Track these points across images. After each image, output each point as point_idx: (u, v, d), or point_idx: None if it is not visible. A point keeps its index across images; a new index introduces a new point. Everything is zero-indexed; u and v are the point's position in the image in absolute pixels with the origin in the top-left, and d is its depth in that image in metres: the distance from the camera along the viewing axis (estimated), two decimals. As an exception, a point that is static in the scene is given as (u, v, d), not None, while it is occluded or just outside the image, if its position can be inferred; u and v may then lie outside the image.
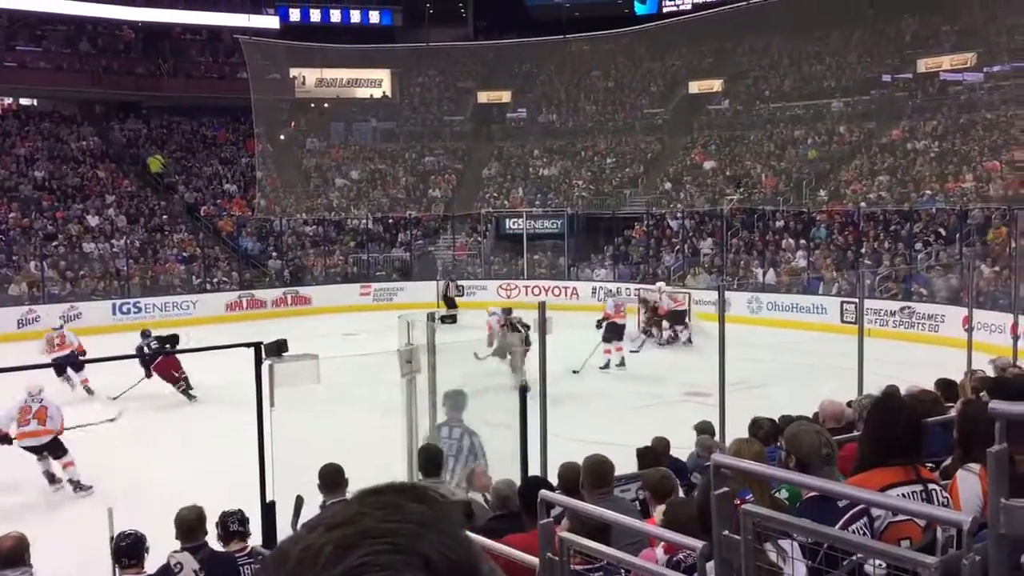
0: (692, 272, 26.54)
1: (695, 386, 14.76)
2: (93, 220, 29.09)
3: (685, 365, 17.48)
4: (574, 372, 16.50)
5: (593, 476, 4.92)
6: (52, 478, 10.88)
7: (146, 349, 15.59)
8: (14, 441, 10.65)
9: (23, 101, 36.73)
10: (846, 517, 2.90)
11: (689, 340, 20.46)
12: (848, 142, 30.56)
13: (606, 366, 17.75)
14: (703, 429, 8.26)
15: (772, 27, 35.43)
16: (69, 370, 15.72)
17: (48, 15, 35.04)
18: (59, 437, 10.82)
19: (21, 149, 32.00)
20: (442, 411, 7.79)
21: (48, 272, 25.39)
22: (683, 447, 8.05)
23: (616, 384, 16.20)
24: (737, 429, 7.19)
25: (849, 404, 7.05)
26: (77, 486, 10.75)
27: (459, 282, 27.84)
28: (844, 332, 19.18)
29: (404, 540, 0.73)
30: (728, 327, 9.47)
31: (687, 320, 20.98)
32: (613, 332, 18.12)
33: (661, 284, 22.92)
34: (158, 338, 16.05)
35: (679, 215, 29.35)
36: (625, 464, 7.45)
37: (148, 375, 15.52)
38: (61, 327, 17.43)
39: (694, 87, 36.60)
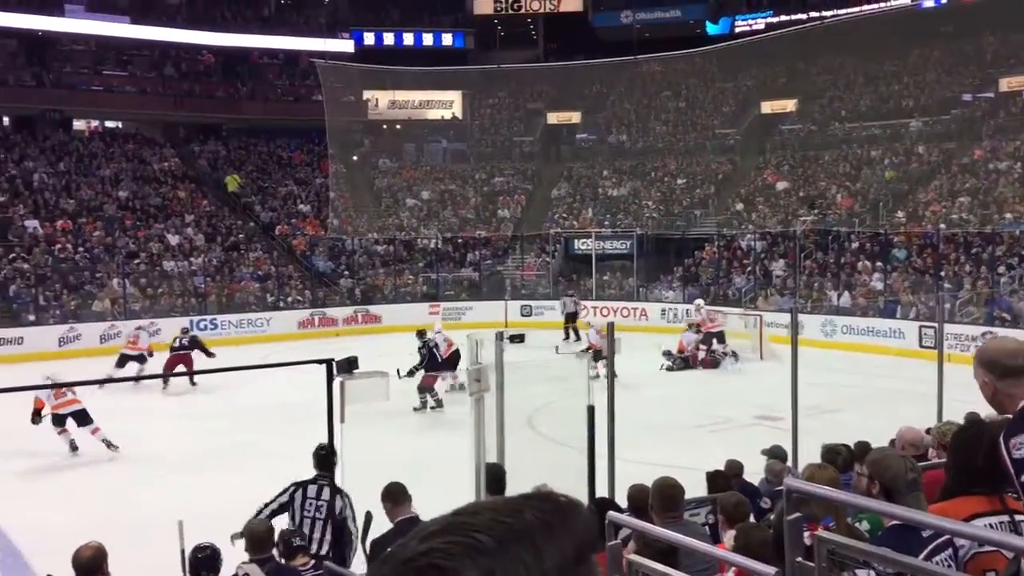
0: (764, 294, 26.12)
1: (767, 409, 14.50)
2: (173, 239, 29.90)
3: (757, 388, 17.18)
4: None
5: (663, 499, 4.84)
6: (73, 445, 12.78)
7: (177, 342, 18.21)
8: (43, 416, 12.50)
9: (108, 124, 38.06)
10: (930, 548, 2.79)
11: (734, 355, 20.54)
12: (927, 162, 29.83)
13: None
14: (773, 454, 8.07)
15: (847, 46, 34.87)
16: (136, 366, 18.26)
17: (134, 41, 36.30)
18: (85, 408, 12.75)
19: (106, 170, 33.10)
20: (510, 428, 7.75)
21: (129, 289, 26.15)
22: (754, 472, 7.89)
23: (686, 406, 15.99)
24: (810, 454, 7.02)
25: (928, 431, 6.82)
26: (109, 444, 12.67)
27: (576, 299, 26.52)
28: (922, 357, 18.63)
29: (486, 545, 0.77)
30: (801, 350, 9.29)
31: (720, 342, 20.92)
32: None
33: (700, 302, 22.70)
34: (192, 338, 18.66)
35: (750, 236, 28.94)
36: (693, 488, 7.33)
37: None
38: (138, 329, 19.83)
39: (766, 107, 36.16)
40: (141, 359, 18.38)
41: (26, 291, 25.32)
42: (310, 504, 6.70)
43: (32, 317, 24.48)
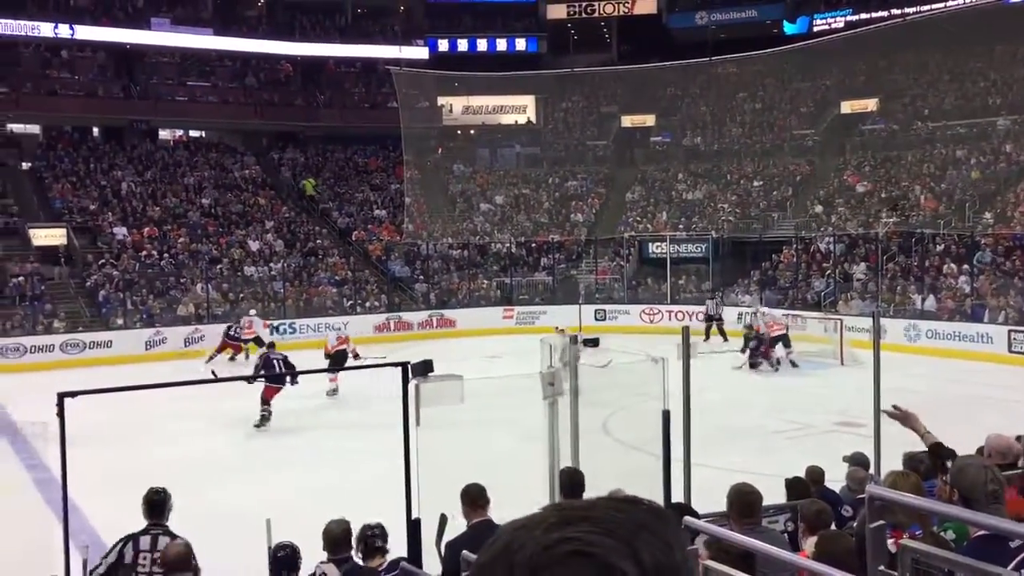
0: (844, 298, 25.56)
1: (847, 415, 14.19)
2: (254, 245, 30.58)
3: (837, 393, 16.83)
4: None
5: (741, 505, 4.77)
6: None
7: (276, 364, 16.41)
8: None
9: (192, 133, 39.16)
10: (1019, 558, 2.70)
11: (792, 364, 20.45)
12: (1016, 162, 28.82)
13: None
14: (855, 461, 7.87)
15: (930, 43, 33.92)
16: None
17: (216, 52, 37.31)
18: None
19: (190, 178, 34.06)
20: (584, 433, 7.74)
21: (212, 294, 26.83)
22: (835, 480, 7.72)
23: (763, 411, 15.73)
24: (892, 462, 6.84)
25: (1019, 439, 6.58)
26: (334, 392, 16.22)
27: (719, 301, 25.94)
28: (1012, 363, 18.00)
29: (622, 532, 0.80)
30: (884, 355, 9.06)
31: (786, 346, 20.82)
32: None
33: (763, 309, 22.44)
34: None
35: (829, 239, 28.37)
36: (771, 495, 7.21)
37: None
38: (254, 314, 22.68)
39: (846, 107, 35.41)
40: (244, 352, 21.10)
41: (114, 296, 26.18)
42: (144, 558, 5.75)
43: (120, 321, 25.29)
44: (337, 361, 16.94)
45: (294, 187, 35.66)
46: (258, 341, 21.42)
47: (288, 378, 15.28)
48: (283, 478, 11.73)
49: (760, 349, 20.34)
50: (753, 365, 20.27)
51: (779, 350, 20.71)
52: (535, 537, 0.80)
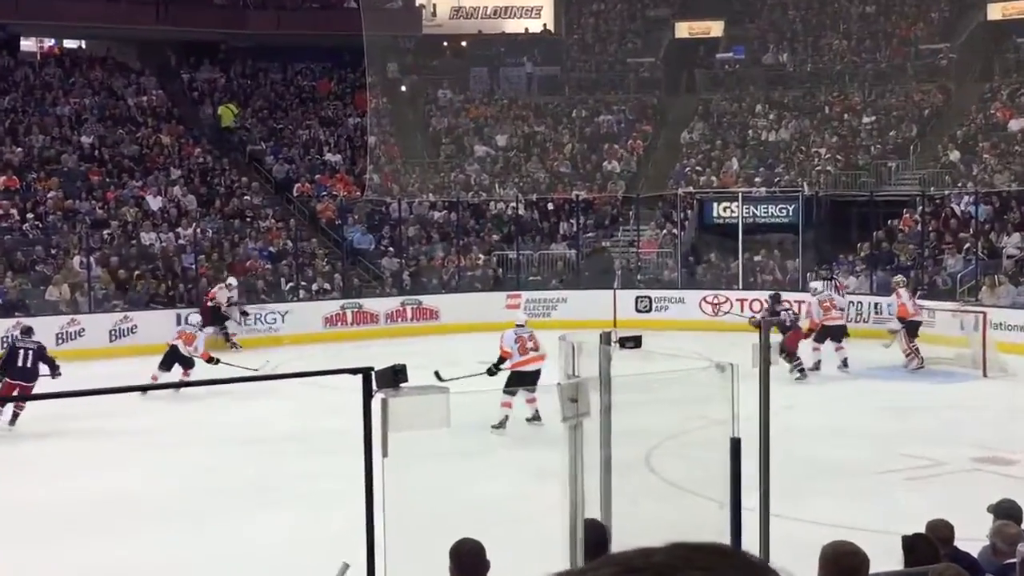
0: (990, 282, 25.53)
1: (991, 449, 14.19)
2: (154, 202, 30.58)
3: (977, 417, 16.82)
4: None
5: (838, 572, 4.80)
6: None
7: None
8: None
9: (68, 43, 39.08)
10: None
11: (844, 363, 21.14)
12: None
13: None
14: (1004, 512, 7.91)
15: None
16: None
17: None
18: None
19: (64, 107, 34.05)
20: (619, 468, 7.76)
21: (96, 270, 26.83)
22: (971, 538, 7.76)
23: (869, 441, 15.75)
24: (1056, 513, 6.88)
25: None
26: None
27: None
28: None
29: None
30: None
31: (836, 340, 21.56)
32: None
33: (817, 285, 23.02)
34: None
35: (970, 198, 28.32)
36: (882, 559, 7.24)
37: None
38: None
39: (994, 11, 35.27)
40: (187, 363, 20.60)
41: (-43, 273, 26.17)
42: None
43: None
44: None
45: (212, 120, 35.61)
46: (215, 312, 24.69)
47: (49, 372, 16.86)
48: (197, 529, 11.79)
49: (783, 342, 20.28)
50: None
51: (826, 345, 21.29)
52: None
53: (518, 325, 17.09)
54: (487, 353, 17.07)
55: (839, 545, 4.99)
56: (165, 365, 20.25)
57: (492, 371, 16.56)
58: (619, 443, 7.95)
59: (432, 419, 6.93)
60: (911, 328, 21.53)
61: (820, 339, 21.39)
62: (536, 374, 16.17)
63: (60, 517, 12.00)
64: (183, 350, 20.52)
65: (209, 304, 25.29)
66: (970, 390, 19.55)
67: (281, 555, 10.11)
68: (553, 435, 8.31)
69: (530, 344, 16.46)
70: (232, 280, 26.41)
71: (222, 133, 35.09)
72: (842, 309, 22.46)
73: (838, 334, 21.57)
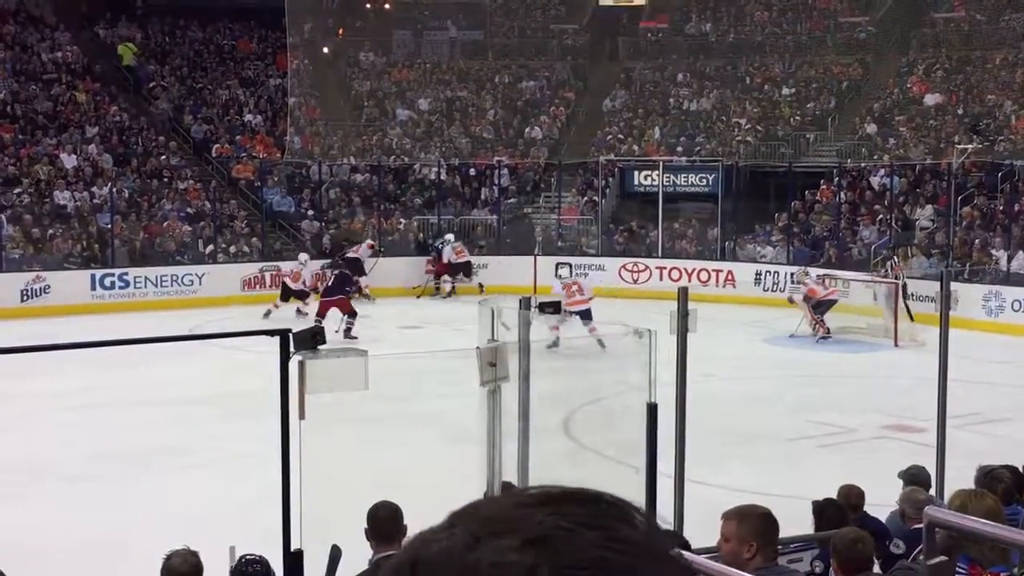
0: (902, 253, 25.95)
1: (902, 416, 14.47)
2: (69, 161, 30.06)
3: (888, 386, 17.12)
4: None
5: (765, 536, 4.81)
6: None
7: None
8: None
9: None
10: None
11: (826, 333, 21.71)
12: None
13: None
14: (913, 478, 8.05)
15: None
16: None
17: None
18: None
19: (-24, 61, 33.24)
20: (537, 434, 7.80)
21: (7, 230, 26.36)
22: (882, 504, 7.89)
23: (785, 409, 15.98)
24: (963, 480, 7.01)
25: None
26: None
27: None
28: None
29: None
30: (955, 334, 9.23)
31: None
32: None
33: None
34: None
35: (886, 171, 28.72)
36: (793, 523, 7.34)
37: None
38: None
39: (911, -14, 35.70)
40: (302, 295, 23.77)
41: None
42: None
43: None
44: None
45: (129, 78, 35.03)
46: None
47: None
48: (112, 492, 11.63)
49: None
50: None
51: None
52: (512, 557, 0.84)
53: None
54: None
55: (750, 508, 5.02)
56: (283, 298, 24.01)
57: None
58: (538, 408, 7.97)
59: (350, 382, 6.90)
60: (819, 306, 21.85)
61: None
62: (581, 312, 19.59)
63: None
64: (292, 286, 24.05)
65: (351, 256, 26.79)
66: (882, 359, 19.93)
67: (195, 519, 10.00)
68: (473, 400, 8.30)
69: (575, 288, 20.66)
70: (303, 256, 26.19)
71: (120, 67, 34.77)
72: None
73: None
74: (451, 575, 0.84)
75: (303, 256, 25.16)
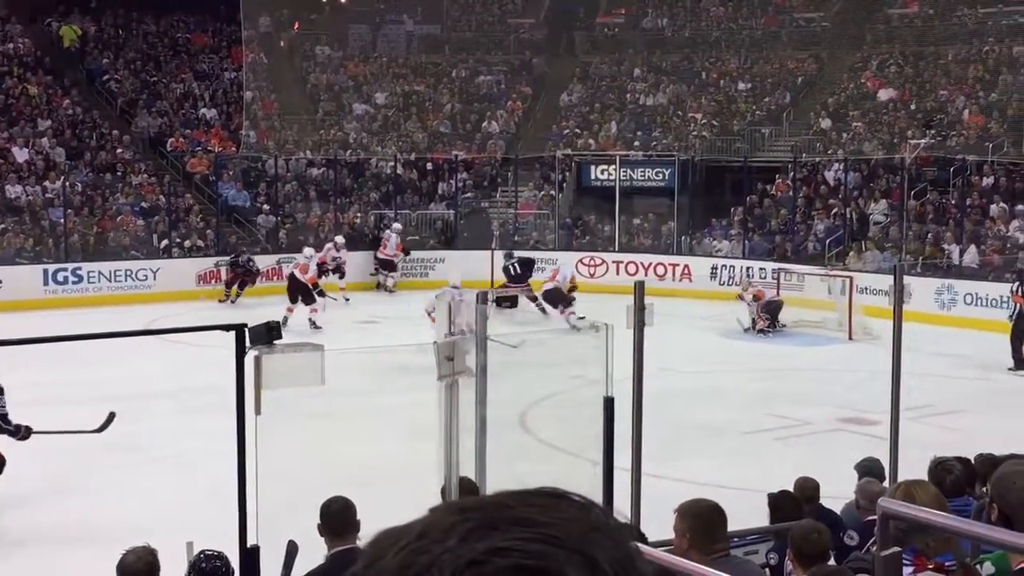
0: (856, 247, 26.15)
1: (855, 409, 14.58)
2: (20, 154, 29.80)
3: (842, 379, 17.25)
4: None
5: (701, 530, 4.78)
6: None
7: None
8: None
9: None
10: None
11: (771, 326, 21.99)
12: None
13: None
14: (868, 469, 8.13)
15: None
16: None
17: None
18: None
19: (-74, 54, 32.87)
20: (494, 428, 7.79)
21: (-42, 224, 26.09)
22: (837, 496, 7.96)
23: (741, 402, 16.07)
24: (915, 471, 7.07)
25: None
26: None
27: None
28: (1077, 340, 18.72)
29: (567, 537, 0.84)
30: (908, 327, 9.31)
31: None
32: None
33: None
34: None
35: (840, 165, 28.94)
36: (749, 515, 7.39)
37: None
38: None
39: (868, -17, 35.96)
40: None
41: None
42: None
43: None
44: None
45: (82, 71, 34.71)
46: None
47: None
48: (66, 494, 11.55)
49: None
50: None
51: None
52: (451, 549, 0.82)
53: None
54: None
55: (697, 503, 5.00)
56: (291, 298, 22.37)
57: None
58: (495, 403, 7.97)
59: (306, 377, 6.87)
60: (768, 306, 21.99)
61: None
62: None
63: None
64: (301, 277, 22.57)
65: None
66: (836, 353, 20.03)
67: (150, 516, 9.94)
68: (430, 395, 8.28)
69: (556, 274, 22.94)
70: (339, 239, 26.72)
71: (60, 48, 34.60)
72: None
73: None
74: None
75: (308, 250, 24.45)
